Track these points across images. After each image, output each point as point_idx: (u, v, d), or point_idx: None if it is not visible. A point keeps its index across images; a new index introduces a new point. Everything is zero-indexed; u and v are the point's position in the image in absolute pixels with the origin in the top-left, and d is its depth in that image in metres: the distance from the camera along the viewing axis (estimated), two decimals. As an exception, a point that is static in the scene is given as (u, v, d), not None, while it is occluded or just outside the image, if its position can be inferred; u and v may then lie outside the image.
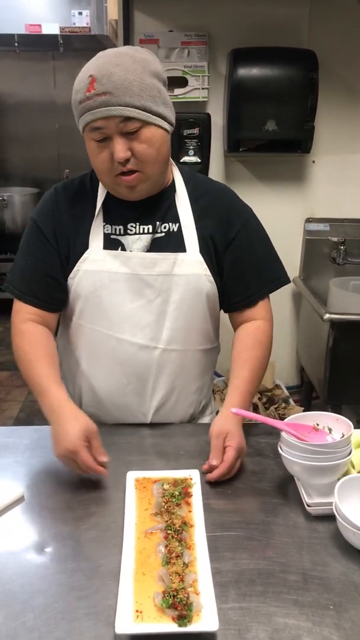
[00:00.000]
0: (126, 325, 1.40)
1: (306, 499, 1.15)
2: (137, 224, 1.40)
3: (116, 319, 1.40)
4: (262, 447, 1.37)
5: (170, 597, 0.91)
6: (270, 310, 1.50)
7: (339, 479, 1.12)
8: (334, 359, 2.41)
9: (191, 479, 1.21)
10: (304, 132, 2.54)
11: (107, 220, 1.41)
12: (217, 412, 1.39)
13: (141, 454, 1.36)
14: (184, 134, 2.53)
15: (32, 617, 0.92)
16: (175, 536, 1.05)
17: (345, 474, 1.16)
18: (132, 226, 1.40)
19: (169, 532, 1.06)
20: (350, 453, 1.15)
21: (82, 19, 4.83)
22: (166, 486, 1.18)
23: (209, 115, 2.57)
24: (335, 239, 2.78)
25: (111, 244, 1.39)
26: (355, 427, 1.19)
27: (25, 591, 0.97)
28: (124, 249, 1.39)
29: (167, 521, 1.09)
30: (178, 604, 0.90)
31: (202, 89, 2.58)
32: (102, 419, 1.46)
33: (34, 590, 0.97)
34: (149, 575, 0.97)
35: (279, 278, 1.49)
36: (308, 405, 2.93)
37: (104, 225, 1.40)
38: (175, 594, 0.92)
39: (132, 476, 1.22)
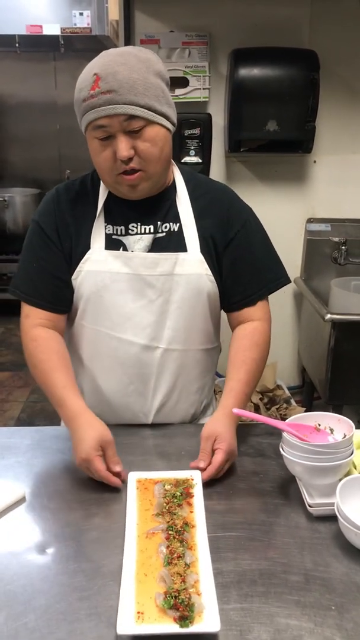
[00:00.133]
0: (128, 325, 1.40)
1: (308, 500, 1.15)
2: (139, 224, 1.40)
3: (118, 319, 1.40)
4: (264, 448, 1.37)
5: (172, 597, 0.91)
6: (268, 311, 1.49)
7: (340, 480, 1.12)
8: (335, 359, 2.41)
9: (193, 479, 1.21)
10: (305, 132, 2.54)
11: (109, 220, 1.41)
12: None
13: (142, 455, 1.36)
14: (185, 134, 2.53)
15: (34, 617, 0.91)
16: (177, 537, 1.05)
17: (347, 474, 1.16)
18: (133, 226, 1.40)
19: (170, 532, 1.06)
20: (352, 453, 1.15)
21: (83, 20, 4.83)
22: (168, 487, 1.18)
23: (209, 116, 2.57)
24: (336, 239, 2.79)
25: (113, 244, 1.39)
26: (357, 428, 1.18)
27: (26, 592, 0.97)
28: (125, 249, 1.39)
29: (168, 522, 1.09)
30: (180, 604, 0.90)
31: (203, 89, 2.58)
32: (103, 419, 1.45)
33: (35, 591, 0.97)
34: (150, 576, 0.97)
35: (279, 278, 1.48)
36: (309, 405, 2.93)
37: (105, 226, 1.41)
38: (177, 594, 0.91)
39: (133, 477, 1.22)
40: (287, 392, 2.90)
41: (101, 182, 1.41)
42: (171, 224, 1.41)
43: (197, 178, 1.49)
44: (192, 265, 1.40)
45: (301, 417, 1.24)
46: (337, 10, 2.56)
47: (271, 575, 1.00)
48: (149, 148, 1.28)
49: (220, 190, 1.49)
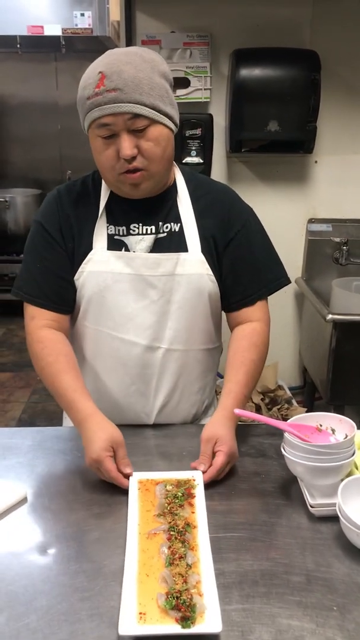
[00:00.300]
0: (130, 325, 1.40)
1: (309, 500, 1.15)
2: (140, 224, 1.40)
3: (120, 319, 1.40)
4: (265, 448, 1.37)
5: (174, 598, 0.91)
6: (267, 313, 1.49)
7: (342, 480, 1.12)
8: (336, 359, 2.41)
9: (194, 480, 1.21)
10: (306, 132, 2.55)
11: (110, 221, 1.41)
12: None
13: (144, 455, 1.36)
14: (187, 134, 2.53)
15: (35, 618, 0.91)
16: (179, 537, 1.05)
17: (349, 474, 1.16)
18: (135, 227, 1.40)
19: (172, 533, 1.06)
20: (353, 454, 1.14)
21: (84, 20, 4.84)
22: (169, 487, 1.18)
23: (211, 116, 2.58)
24: (337, 240, 2.78)
25: (115, 244, 1.40)
26: (358, 428, 1.18)
27: (28, 592, 0.97)
28: (127, 250, 1.39)
29: (170, 522, 1.09)
30: (181, 605, 0.89)
31: (205, 89, 2.59)
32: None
33: (37, 592, 0.97)
34: (152, 577, 0.97)
35: (279, 278, 1.48)
36: (311, 406, 2.92)
37: (107, 226, 1.41)
38: (179, 595, 0.91)
39: (135, 477, 1.22)
40: (289, 393, 2.90)
41: (102, 182, 1.41)
42: (172, 224, 1.41)
43: (198, 178, 1.50)
44: (193, 266, 1.40)
45: (302, 418, 1.24)
46: (338, 10, 2.56)
47: (273, 576, 1.00)
48: (152, 147, 1.28)
49: (221, 190, 1.50)
